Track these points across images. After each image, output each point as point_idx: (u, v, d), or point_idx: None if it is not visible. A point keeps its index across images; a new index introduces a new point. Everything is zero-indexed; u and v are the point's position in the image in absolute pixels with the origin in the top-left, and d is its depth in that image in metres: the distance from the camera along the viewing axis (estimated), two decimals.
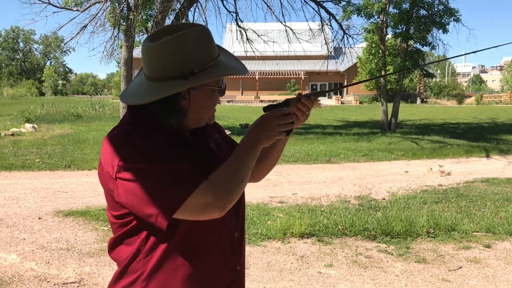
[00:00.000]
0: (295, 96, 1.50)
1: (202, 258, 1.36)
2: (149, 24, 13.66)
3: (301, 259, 4.45)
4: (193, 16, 14.53)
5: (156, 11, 12.59)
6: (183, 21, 13.63)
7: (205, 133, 1.47)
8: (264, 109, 1.42)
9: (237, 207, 1.46)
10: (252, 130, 1.36)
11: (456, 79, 70.85)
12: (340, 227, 5.30)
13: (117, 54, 15.98)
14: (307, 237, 5.07)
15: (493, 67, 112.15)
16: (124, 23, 13.19)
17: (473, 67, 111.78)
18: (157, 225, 1.23)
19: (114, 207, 1.33)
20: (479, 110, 33.11)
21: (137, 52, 21.51)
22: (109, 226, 1.43)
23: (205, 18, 14.50)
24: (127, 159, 1.24)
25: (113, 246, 1.39)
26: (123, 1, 12.65)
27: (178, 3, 13.82)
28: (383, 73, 17.94)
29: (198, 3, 14.39)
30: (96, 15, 13.07)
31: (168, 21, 13.29)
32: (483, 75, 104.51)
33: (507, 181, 8.44)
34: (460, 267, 4.24)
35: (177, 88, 1.28)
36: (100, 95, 69.04)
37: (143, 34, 14.75)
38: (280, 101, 1.46)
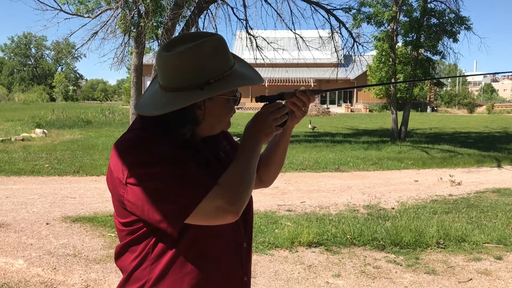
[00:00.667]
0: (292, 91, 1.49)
1: (209, 267, 1.34)
2: (160, 31, 13.75)
3: (308, 269, 4.40)
4: (203, 23, 14.60)
5: (167, 18, 12.67)
6: (193, 28, 13.70)
7: (216, 141, 1.46)
8: (257, 99, 1.42)
9: (245, 217, 1.44)
10: (249, 130, 1.36)
11: (467, 88, 70.39)
12: (348, 236, 5.24)
13: (128, 60, 16.09)
14: (315, 246, 5.02)
15: (504, 76, 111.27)
16: (134, 30, 13.28)
17: (484, 76, 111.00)
18: (169, 231, 1.22)
19: (122, 214, 1.31)
20: (490, 119, 32.82)
21: (147, 59, 21.74)
22: (116, 233, 1.41)
23: (215, 26, 14.57)
24: (137, 164, 1.24)
25: (119, 254, 1.37)
26: (134, 8, 12.74)
27: (189, 11, 13.89)
28: (393, 81, 17.84)
29: (208, 10, 14.45)
30: (107, 21, 13.18)
31: (178, 28, 13.37)
32: (494, 84, 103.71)
33: None
34: (471, 279, 4.16)
35: (193, 99, 1.27)
36: (110, 101, 69.56)
37: (153, 41, 14.86)
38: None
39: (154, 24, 13.67)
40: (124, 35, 13.56)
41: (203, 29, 14.56)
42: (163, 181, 1.21)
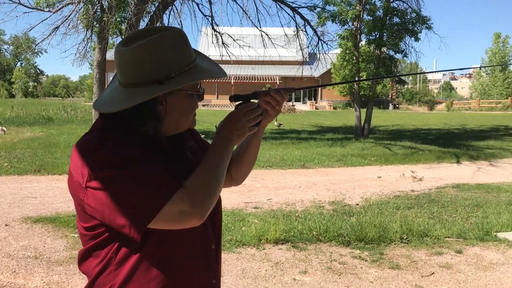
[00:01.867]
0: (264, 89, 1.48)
1: (176, 271, 1.31)
2: (123, 27, 13.48)
3: (276, 266, 4.42)
4: (168, 19, 14.41)
5: (131, 13, 12.43)
6: (158, 24, 13.50)
7: (182, 140, 1.43)
8: (231, 98, 1.40)
9: (213, 217, 1.42)
10: (221, 130, 1.34)
11: (427, 86, 72.34)
12: (314, 232, 5.30)
13: (90, 56, 15.72)
14: (282, 243, 5.04)
15: (462, 74, 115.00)
16: (97, 25, 12.97)
17: (444, 74, 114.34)
18: (131, 235, 1.18)
19: (84, 218, 1.27)
20: (450, 117, 33.87)
21: (111, 55, 21.22)
22: (79, 237, 1.36)
23: (180, 22, 14.40)
24: (97, 167, 1.19)
25: (82, 259, 1.33)
26: (97, 2, 12.44)
27: (153, 6, 13.68)
28: (356, 78, 18.14)
29: (173, 6, 14.28)
30: (69, 16, 12.82)
31: (142, 24, 13.14)
32: (453, 82, 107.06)
33: (477, 187, 8.62)
34: (433, 273, 4.28)
35: (152, 93, 1.23)
36: (72, 97, 67.82)
37: (116, 37, 14.55)
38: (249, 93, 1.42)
39: (118, 19, 13.41)
40: (87, 30, 13.22)
41: (167, 25, 14.38)
42: (124, 184, 1.17)
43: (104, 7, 12.35)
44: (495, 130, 22.23)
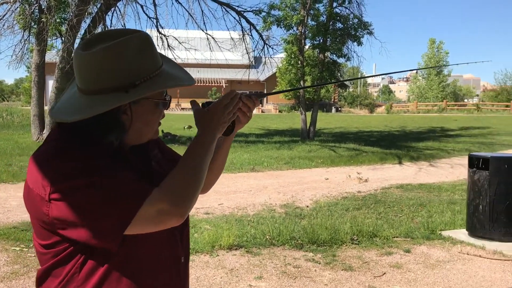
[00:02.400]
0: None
1: (145, 284, 1.24)
2: (63, 28, 12.95)
3: (230, 273, 4.37)
4: (111, 21, 14.01)
5: (71, 14, 11.97)
6: (100, 25, 13.11)
7: (146, 149, 1.35)
8: (203, 105, 1.35)
9: (182, 229, 1.36)
10: (203, 125, 1.27)
11: (367, 89, 74.75)
12: (267, 236, 5.29)
13: (28, 58, 14.97)
14: (236, 249, 5.00)
15: (400, 78, 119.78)
16: (35, 26, 12.39)
17: (382, 78, 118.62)
18: (107, 246, 1.12)
19: (43, 235, 1.17)
20: (390, 119, 35.10)
21: (50, 57, 20.40)
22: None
23: (124, 24, 14.03)
24: (60, 177, 1.10)
25: (42, 279, 1.22)
26: (34, 2, 11.88)
27: (95, 7, 13.25)
28: (301, 83, 18.43)
29: (116, 7, 13.90)
30: (4, 16, 12.16)
31: (84, 25, 12.69)
32: (391, 86, 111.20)
33: (419, 187, 8.98)
34: (384, 273, 4.39)
35: (116, 102, 1.15)
36: (7, 101, 64.40)
37: (56, 38, 13.99)
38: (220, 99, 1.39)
39: (58, 20, 12.87)
40: (24, 31, 12.59)
41: (110, 26, 13.98)
42: (92, 191, 1.09)
43: (43, 7, 11.82)
44: (433, 131, 23.30)
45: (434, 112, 42.40)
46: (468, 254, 4.88)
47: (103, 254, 1.15)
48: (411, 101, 57.77)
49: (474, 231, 5.30)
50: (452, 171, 11.25)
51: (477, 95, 72.54)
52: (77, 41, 12.58)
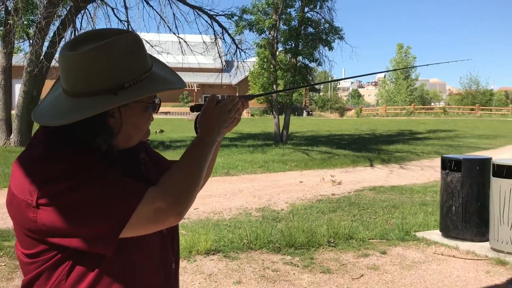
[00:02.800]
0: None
1: None
2: (31, 30, 12.63)
3: (209, 278, 4.33)
4: (81, 24, 13.75)
5: (40, 16, 11.69)
6: (69, 28, 12.85)
7: (135, 153, 1.31)
8: (192, 108, 1.34)
9: (172, 236, 1.34)
10: (206, 124, 1.26)
11: (337, 93, 75.71)
12: (245, 241, 5.27)
13: None
14: (213, 254, 4.96)
15: (368, 82, 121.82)
16: (1, 28, 12.04)
17: (352, 82, 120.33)
18: (102, 251, 1.07)
19: (28, 244, 1.12)
20: (360, 122, 35.64)
21: (17, 60, 19.84)
22: (20, 266, 1.20)
23: (94, 26, 13.77)
24: (48, 181, 1.05)
25: None
26: (1, 4, 11.55)
27: (65, 9, 12.98)
28: (274, 87, 18.51)
29: (86, 10, 13.65)
30: None
31: (53, 28, 12.41)
32: (360, 90, 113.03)
33: (391, 189, 9.12)
34: (362, 275, 4.43)
35: (105, 105, 1.11)
36: None
37: (23, 41, 13.63)
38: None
39: (25, 22, 12.54)
40: None
41: (80, 29, 13.72)
42: (83, 194, 1.04)
43: (10, 9, 11.49)
44: (402, 134, 23.75)
45: (402, 116, 43.29)
46: (442, 255, 4.98)
47: (93, 260, 1.11)
48: (380, 105, 58.79)
49: (447, 232, 5.41)
50: (423, 173, 11.48)
51: (444, 99, 74.47)
52: (46, 44, 12.29)
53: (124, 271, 1.17)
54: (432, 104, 63.21)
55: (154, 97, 1.25)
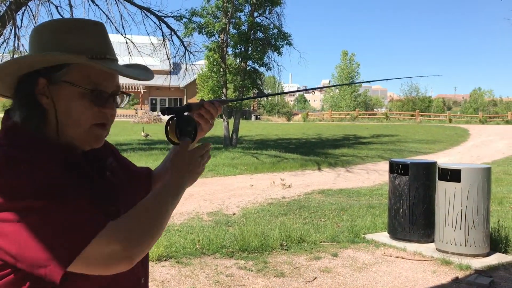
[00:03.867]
0: (198, 101, 1.39)
1: None
2: None
3: (162, 285, 4.22)
4: (21, 21, 13.10)
5: None
6: (9, 25, 12.22)
7: (101, 157, 1.24)
8: (163, 111, 1.26)
9: None
10: (177, 166, 1.19)
11: (285, 98, 76.74)
12: (198, 246, 5.20)
13: None
14: (165, 260, 4.85)
15: (317, 89, 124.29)
16: None
17: (298, 87, 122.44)
18: (48, 278, 0.97)
19: None
20: (306, 127, 36.26)
21: None
22: None
23: (36, 24, 13.19)
24: (8, 195, 0.96)
25: None
26: None
27: (4, 5, 12.33)
28: (223, 90, 18.48)
29: (28, 7, 13.03)
30: None
31: None
32: (306, 95, 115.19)
33: (339, 192, 9.32)
34: (315, 278, 4.47)
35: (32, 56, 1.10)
36: None
37: None
38: (182, 105, 1.31)
39: None
40: None
41: (21, 27, 13.09)
42: (40, 216, 0.96)
43: None
44: (347, 139, 24.39)
45: (347, 121, 44.48)
46: (391, 256, 5.12)
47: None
48: (325, 110, 60.13)
49: (395, 234, 5.58)
50: (368, 176, 11.82)
51: (385, 105, 77.27)
52: None
53: (90, 287, 1.09)
54: (375, 109, 65.41)
55: (96, 86, 1.11)
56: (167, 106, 1.29)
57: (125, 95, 1.20)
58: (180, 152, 1.22)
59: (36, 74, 1.10)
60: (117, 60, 1.19)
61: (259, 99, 54.03)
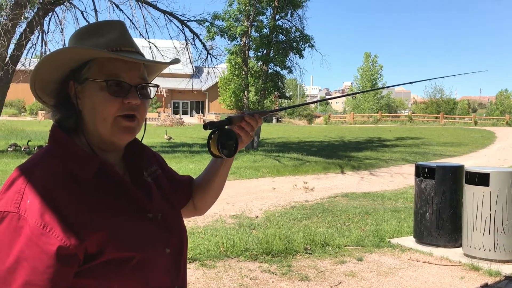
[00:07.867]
0: (239, 114, 1.40)
1: None
2: None
3: (187, 287, 4.24)
4: (48, 26, 13.38)
5: (5, 18, 11.32)
6: (37, 30, 12.50)
7: (141, 165, 1.23)
8: (205, 126, 1.27)
9: (177, 258, 1.22)
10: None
11: (306, 100, 76.51)
12: (222, 248, 5.21)
13: None
14: (190, 262, 4.87)
15: (336, 90, 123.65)
16: None
17: (320, 90, 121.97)
18: None
19: None
20: (328, 129, 36.03)
21: None
22: None
23: (62, 29, 13.45)
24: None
25: None
26: None
27: (32, 11, 12.62)
28: (245, 93, 18.53)
29: (54, 12, 13.31)
30: None
31: (19, 30, 12.04)
32: (327, 96, 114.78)
33: (363, 195, 9.22)
34: (340, 282, 4.43)
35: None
36: None
37: None
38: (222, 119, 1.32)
39: None
40: None
41: (48, 32, 13.38)
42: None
43: None
44: (370, 142, 24.15)
45: (369, 123, 44.02)
46: (417, 261, 5.04)
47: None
48: (347, 113, 59.65)
49: (421, 238, 5.49)
50: (392, 179, 11.67)
51: (409, 107, 76.28)
52: (12, 46, 11.91)
53: None
54: (398, 112, 64.62)
55: (115, 78, 1.11)
56: (208, 121, 1.30)
57: (151, 88, 1.20)
58: (227, 165, 1.36)
59: (68, 78, 1.14)
60: (139, 53, 1.18)
61: (281, 102, 54.01)
